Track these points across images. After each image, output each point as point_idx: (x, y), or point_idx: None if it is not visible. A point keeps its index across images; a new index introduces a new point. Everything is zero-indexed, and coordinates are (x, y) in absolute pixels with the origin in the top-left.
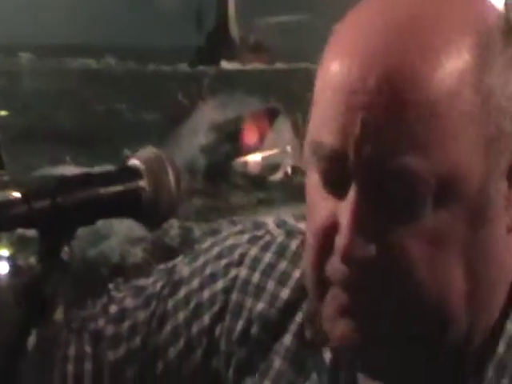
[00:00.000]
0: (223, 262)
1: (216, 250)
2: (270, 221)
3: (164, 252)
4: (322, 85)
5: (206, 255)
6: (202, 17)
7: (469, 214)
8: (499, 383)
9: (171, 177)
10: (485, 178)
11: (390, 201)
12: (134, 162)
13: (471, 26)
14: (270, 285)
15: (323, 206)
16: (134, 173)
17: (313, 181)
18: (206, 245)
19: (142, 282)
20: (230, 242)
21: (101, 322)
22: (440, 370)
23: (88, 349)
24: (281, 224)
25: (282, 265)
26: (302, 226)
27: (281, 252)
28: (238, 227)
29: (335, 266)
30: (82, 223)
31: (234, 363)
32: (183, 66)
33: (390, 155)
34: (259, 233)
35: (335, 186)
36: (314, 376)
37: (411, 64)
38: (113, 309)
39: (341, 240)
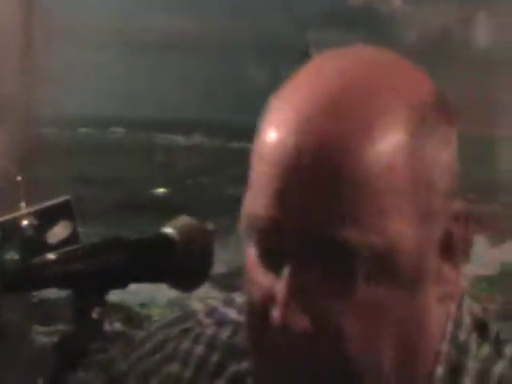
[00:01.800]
0: (156, 357)
1: (148, 344)
2: (200, 309)
3: None
4: (258, 157)
5: (139, 350)
6: None
7: (402, 288)
8: None
9: (203, 244)
10: (418, 253)
11: (325, 274)
12: (167, 229)
13: (406, 100)
14: (203, 379)
15: (260, 282)
16: (167, 240)
17: (250, 257)
18: (138, 339)
19: (82, 376)
20: (160, 336)
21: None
22: None
23: None
24: (211, 313)
25: (215, 357)
26: (232, 313)
27: (212, 344)
28: (168, 319)
29: (273, 339)
30: (115, 285)
31: None
32: None
33: (324, 228)
34: (189, 324)
35: (271, 259)
36: None
37: (346, 141)
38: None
39: (276, 314)
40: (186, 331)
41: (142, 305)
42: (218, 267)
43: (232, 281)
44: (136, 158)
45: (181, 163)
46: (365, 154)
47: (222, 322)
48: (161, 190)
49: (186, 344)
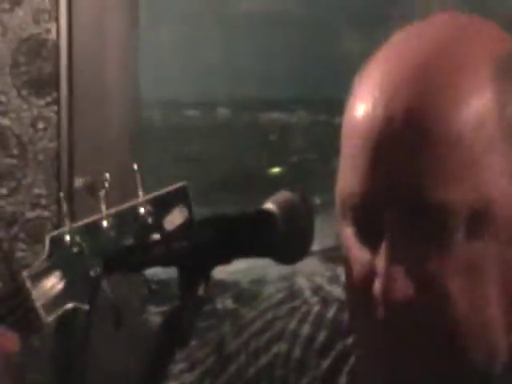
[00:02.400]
0: (265, 336)
1: (257, 324)
2: (306, 287)
3: None
4: (348, 132)
5: (249, 329)
6: None
7: (502, 241)
8: None
9: (303, 218)
10: None
11: (424, 238)
12: (268, 205)
13: (488, 56)
14: (312, 358)
15: (360, 259)
16: (268, 215)
17: (347, 233)
18: (248, 317)
19: (196, 353)
20: (269, 315)
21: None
22: None
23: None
24: (316, 290)
25: (321, 336)
26: (336, 290)
27: (318, 322)
28: (277, 297)
29: (376, 312)
30: (219, 262)
31: None
32: None
33: (420, 192)
34: (296, 303)
35: (369, 234)
36: None
37: (434, 103)
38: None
39: (378, 286)
40: (293, 310)
41: (253, 282)
42: (325, 241)
43: (340, 254)
44: (241, 137)
45: (286, 141)
46: (452, 115)
47: (327, 300)
48: (271, 169)
49: (293, 323)
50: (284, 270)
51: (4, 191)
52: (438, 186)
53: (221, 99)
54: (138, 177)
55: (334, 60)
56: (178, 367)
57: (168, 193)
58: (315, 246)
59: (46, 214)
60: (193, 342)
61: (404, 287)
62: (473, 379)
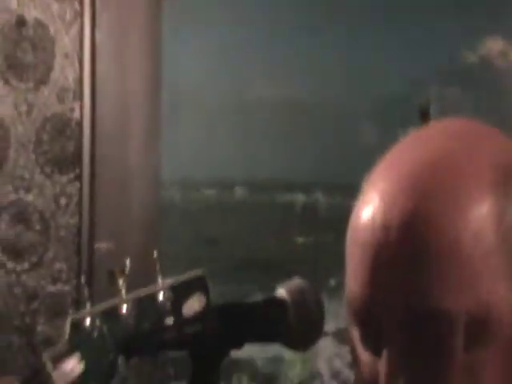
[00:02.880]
0: None
1: None
2: (325, 371)
3: None
4: (351, 239)
5: None
6: None
7: (502, 344)
8: None
9: (314, 306)
10: None
11: (423, 344)
12: (280, 292)
13: (489, 164)
14: None
15: (364, 362)
16: (280, 303)
17: (354, 335)
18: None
19: None
20: None
21: None
22: None
23: None
24: (335, 376)
25: None
26: None
27: None
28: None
29: None
30: (231, 348)
31: None
32: None
33: (419, 301)
34: None
35: (371, 338)
36: None
37: (431, 212)
38: None
39: None
40: None
41: (268, 360)
42: (341, 322)
43: None
44: (258, 217)
45: (303, 222)
46: (450, 225)
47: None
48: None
49: None
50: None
51: (26, 265)
52: (435, 295)
53: (238, 179)
54: (158, 264)
55: (349, 146)
56: None
57: (187, 280)
58: (331, 327)
59: (66, 288)
60: None
61: None
62: None
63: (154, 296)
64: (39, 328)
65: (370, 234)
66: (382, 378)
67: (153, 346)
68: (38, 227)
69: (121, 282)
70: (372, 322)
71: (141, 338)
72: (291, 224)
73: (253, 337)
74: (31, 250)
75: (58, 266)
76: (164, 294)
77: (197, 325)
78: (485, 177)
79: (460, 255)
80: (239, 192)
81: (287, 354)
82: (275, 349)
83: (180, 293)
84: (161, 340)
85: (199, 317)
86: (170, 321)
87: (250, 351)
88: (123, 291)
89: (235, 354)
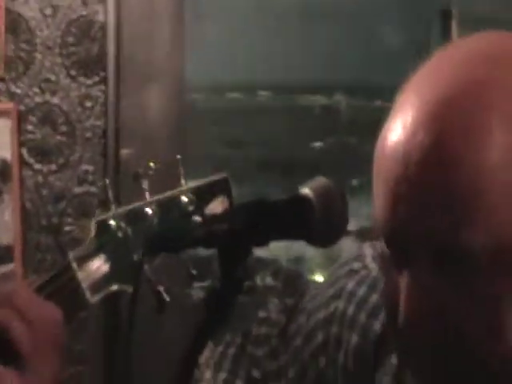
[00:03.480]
0: (328, 293)
1: (324, 282)
2: (368, 252)
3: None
4: (376, 169)
5: (318, 287)
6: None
7: None
8: None
9: (338, 204)
10: None
11: (444, 276)
12: (305, 190)
13: (507, 91)
14: (362, 317)
15: (389, 275)
16: (305, 201)
17: (382, 248)
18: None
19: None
20: (333, 275)
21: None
22: None
23: (236, 340)
24: (376, 258)
25: (374, 298)
26: None
27: (373, 286)
28: (343, 260)
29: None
30: (257, 245)
31: None
32: None
33: (440, 234)
34: (356, 266)
35: (397, 262)
36: None
37: (451, 144)
38: (259, 314)
39: (402, 315)
40: (353, 272)
41: (291, 259)
42: (362, 222)
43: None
44: (281, 119)
45: (325, 123)
46: (468, 160)
47: None
48: (315, 147)
49: (350, 284)
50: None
51: (53, 167)
52: (457, 227)
53: (262, 82)
54: (181, 167)
55: (372, 48)
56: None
57: (210, 183)
58: (353, 226)
59: (92, 189)
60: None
61: (423, 321)
62: None
63: (177, 198)
64: (66, 228)
65: (391, 166)
66: (402, 299)
67: (179, 243)
68: (64, 129)
69: (145, 183)
70: (396, 249)
71: (168, 235)
72: (314, 126)
73: (278, 234)
74: (57, 152)
75: (84, 167)
76: (187, 197)
77: (224, 223)
78: (505, 107)
79: (478, 190)
80: (263, 95)
81: (310, 253)
82: (298, 248)
83: (203, 195)
84: (188, 237)
85: (225, 215)
86: (197, 219)
87: (274, 251)
88: (147, 193)
89: (259, 252)
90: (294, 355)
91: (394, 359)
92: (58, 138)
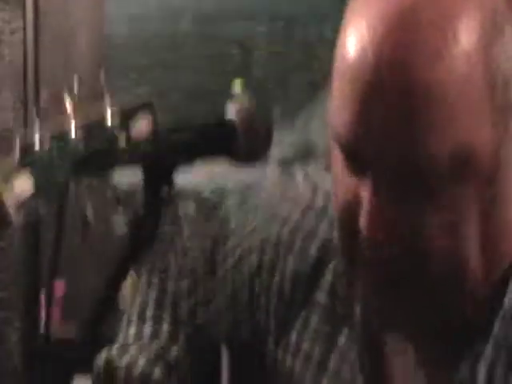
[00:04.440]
0: (260, 218)
1: (255, 209)
2: (298, 176)
3: None
4: (339, 73)
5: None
6: None
7: (482, 181)
8: (507, 336)
9: (262, 130)
10: (495, 147)
11: (406, 183)
12: (230, 116)
13: (478, 5)
14: (298, 241)
15: (346, 183)
16: (230, 127)
17: (337, 157)
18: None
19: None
20: (266, 200)
21: (169, 258)
22: (452, 325)
23: (155, 280)
24: (307, 178)
25: (308, 222)
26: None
27: (307, 210)
28: (274, 184)
29: (362, 242)
30: (181, 164)
31: (274, 318)
32: None
33: (402, 139)
34: (289, 191)
35: (354, 168)
36: (346, 330)
37: (419, 52)
38: (179, 244)
39: (363, 224)
40: (286, 197)
41: (214, 191)
42: (284, 151)
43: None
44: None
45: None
46: (437, 66)
47: (316, 188)
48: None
49: (285, 209)
50: (247, 179)
51: None
52: (419, 134)
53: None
54: (105, 87)
55: None
56: None
57: (135, 107)
58: (276, 155)
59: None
60: None
61: (385, 225)
62: (454, 318)
63: (102, 121)
64: None
65: (362, 71)
66: (365, 207)
67: (105, 165)
68: None
69: (69, 103)
70: (357, 153)
71: (93, 157)
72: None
73: (202, 154)
74: None
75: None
76: (112, 118)
77: (148, 145)
78: (472, 14)
79: (444, 94)
80: (184, 24)
81: (233, 184)
82: (222, 181)
83: (128, 117)
84: (114, 158)
85: (150, 137)
86: (122, 142)
87: (197, 183)
88: (71, 114)
89: (181, 184)
90: (223, 280)
91: (328, 276)
92: None
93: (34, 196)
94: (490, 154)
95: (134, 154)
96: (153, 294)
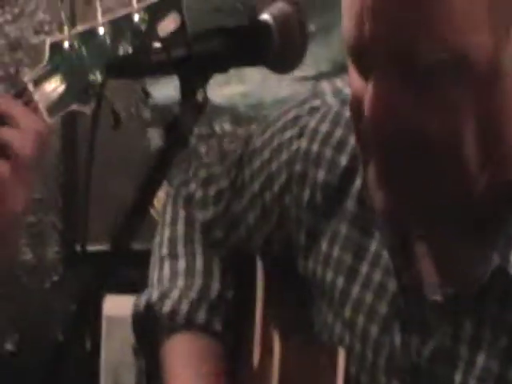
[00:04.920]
0: (287, 134)
1: (281, 121)
2: (327, 89)
3: None
4: None
5: (273, 127)
6: None
7: (482, 85)
8: None
9: (297, 30)
10: (494, 51)
11: (406, 79)
12: (264, 17)
13: None
14: (328, 153)
15: (357, 81)
16: (265, 27)
17: (350, 64)
18: (273, 116)
19: (226, 146)
20: (292, 113)
21: (192, 186)
22: (473, 218)
23: (181, 212)
24: (336, 93)
25: (338, 133)
26: None
27: (336, 121)
28: (301, 98)
29: (368, 134)
30: (217, 70)
31: (304, 230)
32: None
33: (404, 41)
34: (316, 103)
35: (363, 68)
36: (378, 235)
37: None
38: (202, 173)
39: (366, 111)
40: (314, 109)
41: (250, 106)
42: (321, 66)
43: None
44: None
45: None
46: None
47: (346, 101)
48: None
49: (313, 122)
50: (280, 94)
51: (8, 17)
52: (419, 35)
53: None
54: None
55: None
56: (209, 159)
57: (161, 0)
58: (311, 71)
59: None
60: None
61: (387, 108)
62: (457, 204)
63: (129, 17)
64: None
65: None
66: (369, 93)
67: (139, 68)
68: None
69: (97, 3)
70: (364, 56)
71: (128, 59)
72: None
73: (237, 59)
74: (13, 2)
75: (40, 16)
76: (139, 14)
77: (184, 49)
78: None
79: (452, 5)
80: None
81: (268, 99)
82: (256, 95)
83: (155, 13)
84: (148, 62)
85: (186, 39)
86: (156, 44)
87: (232, 98)
88: (99, 13)
89: (216, 100)
90: (251, 201)
91: (357, 183)
92: None
93: (66, 96)
94: (487, 58)
95: (168, 60)
96: (181, 228)
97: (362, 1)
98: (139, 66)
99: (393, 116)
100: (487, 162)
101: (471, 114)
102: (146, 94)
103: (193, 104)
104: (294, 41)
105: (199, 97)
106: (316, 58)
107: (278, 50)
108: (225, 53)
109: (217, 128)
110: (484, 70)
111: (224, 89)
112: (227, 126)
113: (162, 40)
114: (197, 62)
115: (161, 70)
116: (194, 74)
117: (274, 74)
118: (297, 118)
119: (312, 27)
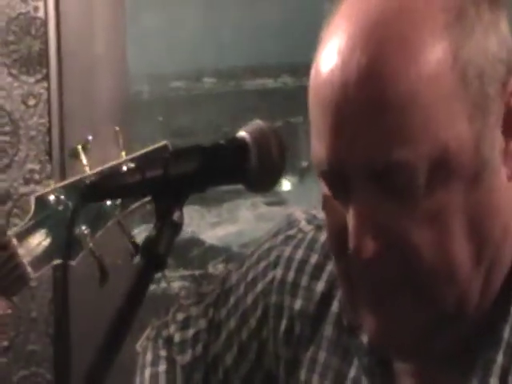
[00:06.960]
0: (261, 265)
1: (256, 255)
2: (301, 217)
3: None
4: (312, 100)
5: (248, 261)
6: None
7: (465, 183)
8: None
9: (275, 147)
10: (475, 144)
11: (388, 195)
12: (241, 134)
13: (440, 5)
14: (304, 280)
15: (334, 213)
16: (242, 144)
17: (324, 189)
18: (249, 251)
19: (204, 289)
20: (266, 245)
21: (171, 329)
22: (460, 339)
23: (162, 352)
24: (311, 220)
25: (313, 259)
26: None
27: (311, 247)
28: (274, 229)
29: (353, 264)
30: (193, 190)
31: (283, 362)
32: None
33: (379, 154)
34: (292, 232)
35: (340, 194)
36: (356, 361)
37: (386, 64)
38: (180, 316)
39: (351, 244)
40: (289, 238)
41: (243, 245)
42: (313, 203)
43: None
44: (227, 104)
45: (270, 105)
46: (406, 70)
47: (320, 227)
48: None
49: (288, 250)
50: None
51: None
52: (395, 146)
53: (207, 69)
54: (121, 139)
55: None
56: (187, 301)
57: (150, 151)
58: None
59: (38, 188)
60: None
61: (372, 246)
62: (449, 324)
63: (117, 168)
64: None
65: (330, 91)
66: (351, 231)
67: (114, 189)
68: (7, 129)
69: (84, 157)
70: (339, 179)
71: (102, 180)
72: (261, 110)
73: (214, 178)
74: (2, 153)
75: (29, 166)
76: (127, 167)
77: (159, 169)
78: (437, 21)
79: (415, 103)
80: (208, 82)
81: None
82: (250, 234)
83: (144, 163)
84: (123, 182)
85: (161, 162)
86: (131, 165)
87: (225, 238)
88: (87, 167)
89: (210, 241)
90: (228, 339)
91: (334, 308)
92: (2, 138)
93: (51, 251)
94: (469, 152)
95: (144, 181)
96: (163, 367)
97: (337, 111)
98: (113, 185)
99: (380, 238)
100: (480, 262)
101: (460, 212)
102: (135, 248)
103: (168, 224)
104: (272, 159)
105: (175, 217)
106: (309, 196)
107: (255, 168)
108: (201, 172)
109: (210, 269)
110: (467, 165)
111: (217, 229)
112: (221, 267)
113: (136, 160)
114: (173, 182)
115: (135, 191)
116: (169, 195)
117: (266, 213)
118: (271, 249)
119: (304, 164)
